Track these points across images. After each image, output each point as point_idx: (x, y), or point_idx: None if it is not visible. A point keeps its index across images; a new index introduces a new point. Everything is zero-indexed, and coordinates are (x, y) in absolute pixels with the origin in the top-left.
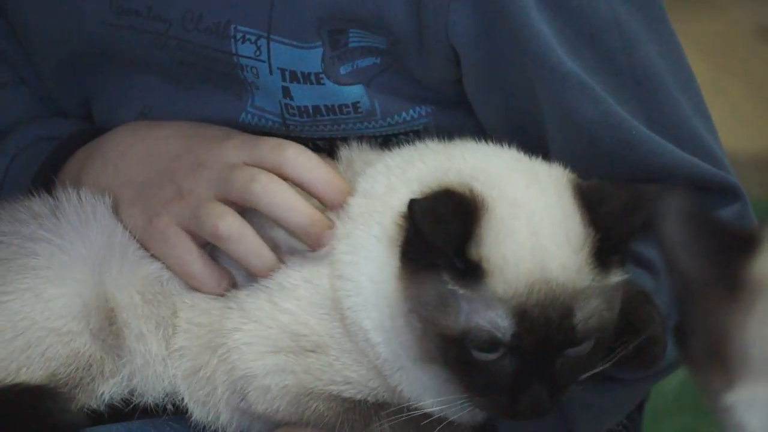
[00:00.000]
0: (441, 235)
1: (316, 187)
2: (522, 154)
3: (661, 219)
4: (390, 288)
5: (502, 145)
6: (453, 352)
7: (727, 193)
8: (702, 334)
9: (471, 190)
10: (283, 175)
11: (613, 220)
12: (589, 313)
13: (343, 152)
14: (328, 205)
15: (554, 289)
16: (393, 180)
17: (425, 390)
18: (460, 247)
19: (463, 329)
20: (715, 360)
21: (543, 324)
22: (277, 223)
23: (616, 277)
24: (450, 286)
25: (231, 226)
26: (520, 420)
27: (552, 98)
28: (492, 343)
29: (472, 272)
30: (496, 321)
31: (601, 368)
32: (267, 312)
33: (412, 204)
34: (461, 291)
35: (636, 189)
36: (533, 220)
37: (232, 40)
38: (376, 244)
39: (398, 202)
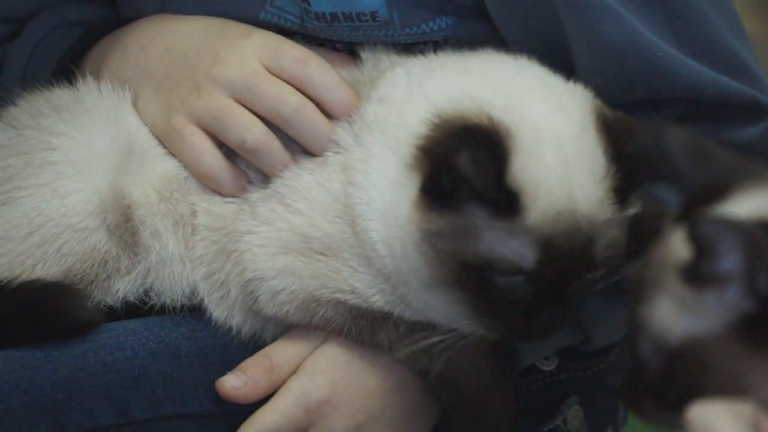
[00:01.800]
0: (481, 179)
1: (333, 107)
2: (545, 71)
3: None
4: (402, 213)
5: (524, 59)
6: (471, 278)
7: (755, 111)
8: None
9: (490, 119)
10: (303, 90)
11: (637, 162)
12: (608, 243)
13: (368, 54)
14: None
15: (579, 219)
16: (410, 90)
17: (430, 308)
18: (497, 183)
19: (485, 258)
20: None
21: (566, 254)
22: (300, 143)
23: (633, 209)
24: (475, 219)
25: (259, 139)
26: (532, 341)
27: (576, 23)
28: (514, 272)
29: (504, 203)
30: (522, 251)
31: (613, 280)
32: (279, 214)
33: (447, 150)
34: (490, 222)
35: (664, 134)
36: (560, 149)
37: None
38: (390, 156)
39: (414, 117)
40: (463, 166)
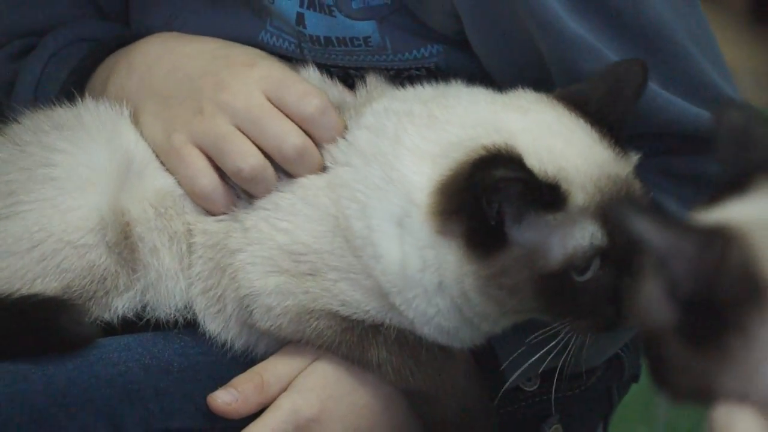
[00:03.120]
0: (525, 188)
1: (324, 140)
2: (493, 92)
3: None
4: (450, 274)
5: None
6: (549, 291)
7: None
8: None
9: (491, 143)
10: (303, 127)
11: (605, 110)
12: (640, 190)
13: (370, 80)
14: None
15: (612, 179)
16: (404, 124)
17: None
18: (537, 186)
19: (564, 260)
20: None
21: None
22: (294, 175)
23: (636, 157)
24: (533, 232)
25: (255, 169)
26: (621, 326)
27: (559, 61)
28: (593, 257)
29: (550, 201)
30: (589, 231)
31: None
32: (266, 233)
33: (493, 181)
34: (549, 224)
35: (605, 81)
36: (557, 134)
37: None
38: (400, 199)
39: (417, 175)
40: (505, 189)
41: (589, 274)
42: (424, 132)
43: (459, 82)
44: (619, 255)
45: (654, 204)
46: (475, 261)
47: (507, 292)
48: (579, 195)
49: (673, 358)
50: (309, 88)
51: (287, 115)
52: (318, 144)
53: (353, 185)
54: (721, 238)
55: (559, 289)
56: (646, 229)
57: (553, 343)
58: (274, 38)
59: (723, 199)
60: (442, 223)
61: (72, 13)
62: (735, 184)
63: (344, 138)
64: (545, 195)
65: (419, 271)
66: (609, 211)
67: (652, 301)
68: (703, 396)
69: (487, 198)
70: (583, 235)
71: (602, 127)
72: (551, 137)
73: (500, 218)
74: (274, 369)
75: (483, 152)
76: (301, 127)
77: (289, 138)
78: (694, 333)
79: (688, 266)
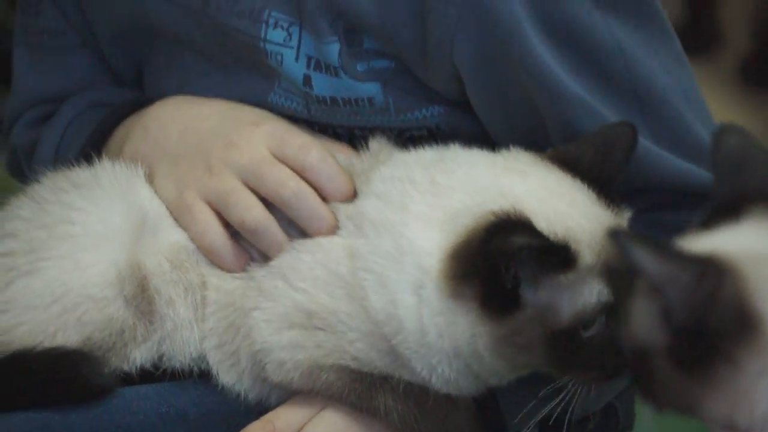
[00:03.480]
0: (539, 251)
1: (329, 193)
2: (488, 154)
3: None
4: (463, 336)
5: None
6: (559, 345)
7: None
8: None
9: (498, 208)
10: (304, 176)
11: (596, 170)
12: None
13: (371, 143)
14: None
15: None
16: (409, 191)
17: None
18: (549, 248)
19: (573, 317)
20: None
21: (620, 268)
22: (299, 224)
23: (628, 213)
24: (546, 292)
25: (257, 220)
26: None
27: (558, 119)
28: (599, 313)
29: (560, 262)
30: (597, 289)
31: None
32: (282, 291)
33: (508, 250)
34: (561, 284)
35: (596, 142)
36: (558, 196)
37: (264, 24)
38: (411, 266)
39: (427, 242)
40: (523, 255)
41: (594, 329)
42: (428, 199)
43: (457, 144)
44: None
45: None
46: (489, 322)
47: (518, 349)
48: (587, 254)
49: (661, 376)
50: (309, 140)
51: (290, 167)
52: (327, 199)
53: (368, 257)
54: (715, 270)
55: (566, 344)
56: (644, 257)
57: (561, 395)
58: (283, 99)
59: (718, 223)
60: (455, 287)
61: (88, 80)
62: (730, 209)
63: (356, 204)
64: (558, 257)
65: (438, 337)
66: (609, 239)
67: (646, 322)
68: (687, 411)
69: (505, 265)
70: (591, 293)
71: (595, 186)
72: (554, 199)
73: (515, 282)
74: (286, 417)
75: (494, 218)
76: (304, 177)
77: (287, 183)
78: (684, 357)
79: (683, 296)
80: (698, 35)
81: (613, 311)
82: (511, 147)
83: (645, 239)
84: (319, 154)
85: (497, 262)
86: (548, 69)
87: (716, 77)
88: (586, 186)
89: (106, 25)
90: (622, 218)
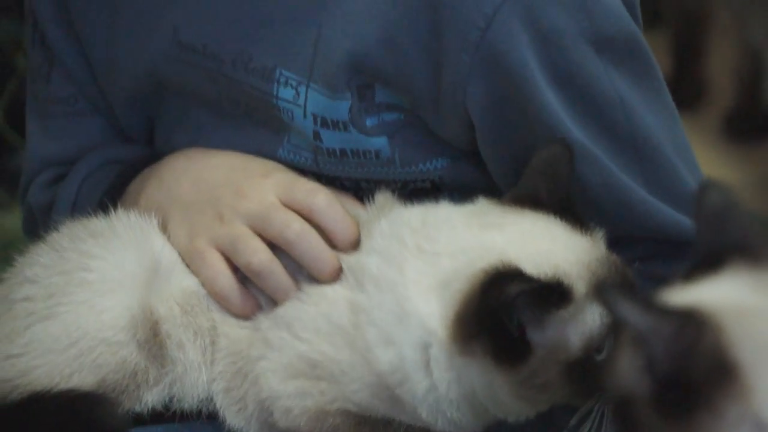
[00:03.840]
0: (537, 297)
1: (335, 236)
2: (466, 211)
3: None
4: (482, 389)
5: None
6: (577, 375)
7: None
8: None
9: (488, 264)
10: (311, 220)
11: (555, 197)
12: (623, 263)
13: (378, 197)
14: (341, 251)
15: (600, 260)
16: (403, 253)
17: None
18: (545, 290)
19: (583, 346)
20: None
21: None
22: (304, 266)
23: (600, 232)
24: (553, 332)
25: (263, 263)
26: None
27: None
28: (606, 335)
29: (561, 296)
30: (598, 313)
31: None
32: (287, 342)
33: (505, 304)
34: (565, 319)
35: (541, 172)
36: (539, 235)
37: (276, 83)
38: (415, 322)
39: (427, 304)
40: (520, 302)
41: (606, 351)
42: (419, 266)
43: (447, 200)
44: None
45: (636, 278)
46: (506, 372)
47: (538, 390)
48: (579, 284)
49: (645, 424)
50: (316, 185)
51: (297, 211)
52: (334, 242)
53: (371, 312)
54: (696, 322)
55: (584, 372)
56: (628, 311)
57: (591, 420)
58: (291, 154)
59: (699, 276)
60: (465, 347)
61: (100, 142)
62: (711, 263)
63: (358, 257)
64: (554, 294)
65: (448, 389)
66: (595, 294)
67: (630, 371)
68: None
69: (506, 315)
70: (593, 318)
71: (561, 212)
72: (534, 241)
73: (521, 329)
74: None
75: (485, 275)
76: (311, 220)
77: (291, 224)
78: (667, 405)
79: (665, 347)
80: (684, 90)
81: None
82: (477, 199)
83: (629, 293)
84: (326, 197)
85: (498, 314)
86: (555, 115)
87: (701, 131)
88: (555, 217)
89: (120, 90)
90: (600, 239)
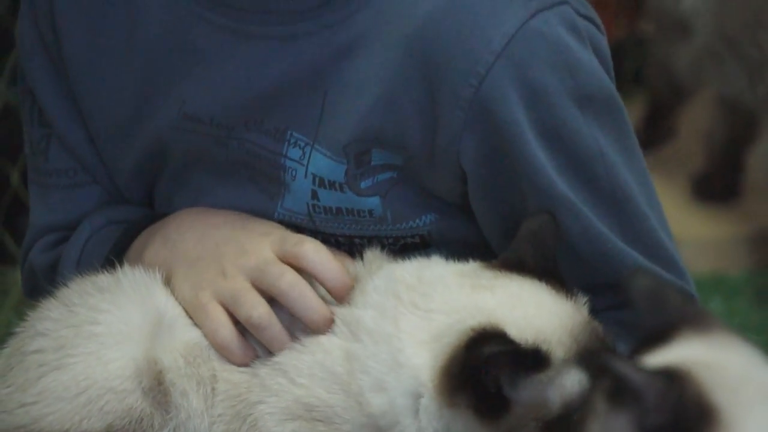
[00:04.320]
0: (511, 360)
1: (324, 279)
2: (458, 271)
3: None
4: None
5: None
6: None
7: None
8: None
9: (473, 324)
10: (301, 267)
11: (541, 264)
12: (604, 328)
13: (367, 253)
14: (335, 296)
15: (582, 326)
16: (399, 308)
17: None
18: (522, 354)
19: (561, 407)
20: None
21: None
22: (297, 317)
23: (584, 298)
24: (528, 392)
25: (262, 317)
26: None
27: None
28: (582, 397)
29: (537, 361)
30: (577, 378)
31: None
32: (284, 387)
33: (475, 365)
34: (541, 382)
35: (528, 241)
36: (526, 300)
37: (287, 143)
38: (406, 372)
39: (419, 359)
40: (496, 362)
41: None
42: (414, 321)
43: (438, 255)
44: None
45: (612, 341)
46: (487, 425)
47: None
48: (559, 350)
49: None
50: (307, 238)
51: (289, 262)
52: (326, 285)
53: (365, 361)
54: (679, 376)
55: (563, 430)
56: (627, 371)
57: None
58: (287, 216)
59: (653, 346)
60: (451, 399)
61: (101, 204)
62: (660, 334)
63: (352, 311)
64: (530, 360)
65: None
66: (596, 361)
67: (619, 428)
68: None
69: (483, 371)
70: (572, 383)
71: (547, 278)
72: (522, 305)
73: (499, 386)
74: None
75: (472, 333)
76: (301, 267)
77: (284, 275)
78: None
79: (659, 398)
80: (658, 149)
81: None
82: (469, 262)
83: (626, 358)
84: (313, 244)
85: (477, 371)
86: (541, 167)
87: (670, 190)
88: (541, 282)
89: (125, 158)
90: (582, 305)
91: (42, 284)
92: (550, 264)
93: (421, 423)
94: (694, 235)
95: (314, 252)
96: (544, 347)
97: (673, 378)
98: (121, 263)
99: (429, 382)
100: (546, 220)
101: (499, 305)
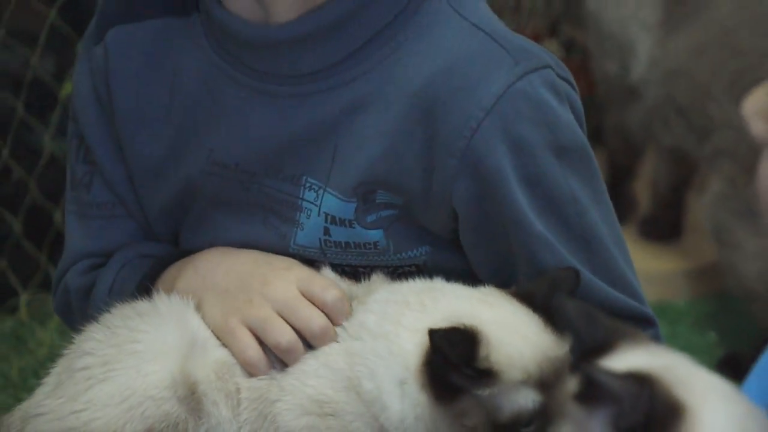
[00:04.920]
0: (455, 353)
1: (338, 321)
2: (474, 289)
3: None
4: (424, 411)
5: (469, 284)
6: None
7: (644, 322)
8: None
9: (463, 324)
10: (323, 309)
11: (546, 304)
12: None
13: (373, 277)
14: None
15: (551, 359)
16: (402, 310)
17: None
18: (472, 361)
19: (511, 416)
20: None
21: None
22: (315, 346)
23: (569, 339)
24: (483, 393)
25: (291, 343)
26: None
27: (523, 250)
28: (535, 416)
29: (488, 376)
30: (532, 398)
31: None
32: (297, 387)
33: (443, 354)
34: (488, 392)
35: (548, 282)
36: (513, 324)
37: (303, 187)
38: (397, 364)
39: (409, 345)
40: (448, 354)
41: (532, 428)
42: (417, 315)
43: (440, 278)
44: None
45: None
46: (443, 407)
47: (469, 431)
48: (516, 373)
49: None
50: (330, 283)
51: (314, 303)
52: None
53: (363, 355)
54: (647, 378)
55: None
56: (606, 378)
57: None
58: (300, 251)
59: (593, 358)
60: (423, 381)
61: (133, 238)
62: (597, 349)
63: (355, 318)
64: (476, 374)
65: (415, 420)
66: (582, 370)
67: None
68: None
69: (440, 358)
70: (526, 401)
71: (545, 316)
72: (507, 328)
73: (449, 374)
74: None
75: (449, 327)
76: (323, 311)
77: (314, 320)
78: None
79: (634, 399)
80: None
81: (545, 419)
82: (486, 286)
83: (602, 366)
84: (337, 295)
85: (436, 357)
86: (522, 210)
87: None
88: (538, 317)
89: (158, 197)
90: (564, 342)
91: (73, 303)
92: (554, 309)
93: (404, 407)
94: (643, 269)
95: (337, 300)
96: (495, 367)
97: (643, 380)
98: (149, 292)
99: (413, 367)
100: (571, 274)
101: (491, 320)
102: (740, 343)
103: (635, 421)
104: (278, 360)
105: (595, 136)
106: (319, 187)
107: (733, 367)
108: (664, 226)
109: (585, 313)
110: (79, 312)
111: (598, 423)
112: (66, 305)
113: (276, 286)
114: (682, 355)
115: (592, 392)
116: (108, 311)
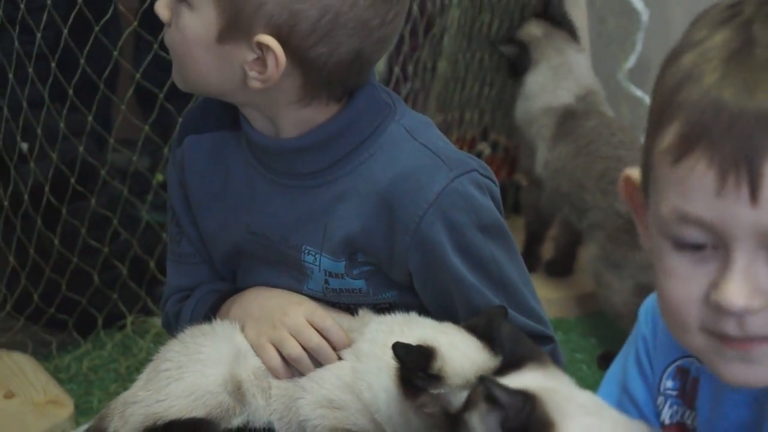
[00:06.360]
0: (410, 360)
1: (334, 342)
2: (437, 323)
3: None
4: (400, 406)
5: (431, 319)
6: (450, 422)
7: (547, 339)
8: None
9: (425, 343)
10: (321, 333)
11: (487, 333)
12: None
13: (361, 312)
14: (337, 350)
15: (484, 370)
16: (388, 336)
17: None
18: (427, 369)
19: (456, 407)
20: None
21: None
22: (318, 360)
23: (498, 357)
24: (436, 392)
25: (299, 354)
26: None
27: (460, 296)
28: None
29: (438, 380)
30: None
31: None
32: (314, 388)
33: (409, 363)
34: (440, 391)
35: (486, 317)
36: (461, 347)
37: (303, 253)
38: (384, 376)
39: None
40: (408, 363)
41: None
42: (399, 339)
43: (415, 312)
44: None
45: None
46: (409, 400)
47: (427, 417)
48: (459, 380)
49: None
50: (326, 315)
51: (315, 328)
52: (333, 345)
53: (363, 372)
54: (531, 396)
55: (457, 421)
56: (498, 391)
57: None
58: (310, 294)
59: (510, 371)
60: (398, 383)
61: (207, 280)
62: (514, 364)
63: (356, 345)
64: (430, 378)
65: (397, 416)
66: (484, 383)
67: (487, 426)
68: None
69: (404, 365)
70: (464, 398)
71: (485, 340)
72: (456, 349)
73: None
74: None
75: (416, 345)
76: (321, 333)
77: (313, 339)
78: None
79: (517, 411)
80: (528, 255)
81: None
82: (444, 322)
83: (498, 382)
84: (331, 322)
85: (409, 370)
86: (458, 270)
87: (535, 274)
88: (479, 341)
89: (217, 253)
90: (496, 359)
91: (171, 322)
92: (493, 336)
93: (390, 406)
94: (546, 296)
95: (330, 326)
96: (442, 375)
97: (527, 397)
98: (215, 317)
99: (394, 375)
100: (501, 309)
101: (446, 343)
102: (612, 345)
103: (516, 426)
104: (298, 372)
105: (515, 208)
106: (316, 252)
107: (607, 361)
108: (561, 267)
109: (514, 336)
110: (174, 328)
111: (493, 420)
112: (167, 323)
113: (290, 315)
114: (569, 379)
115: (492, 398)
116: (183, 331)
